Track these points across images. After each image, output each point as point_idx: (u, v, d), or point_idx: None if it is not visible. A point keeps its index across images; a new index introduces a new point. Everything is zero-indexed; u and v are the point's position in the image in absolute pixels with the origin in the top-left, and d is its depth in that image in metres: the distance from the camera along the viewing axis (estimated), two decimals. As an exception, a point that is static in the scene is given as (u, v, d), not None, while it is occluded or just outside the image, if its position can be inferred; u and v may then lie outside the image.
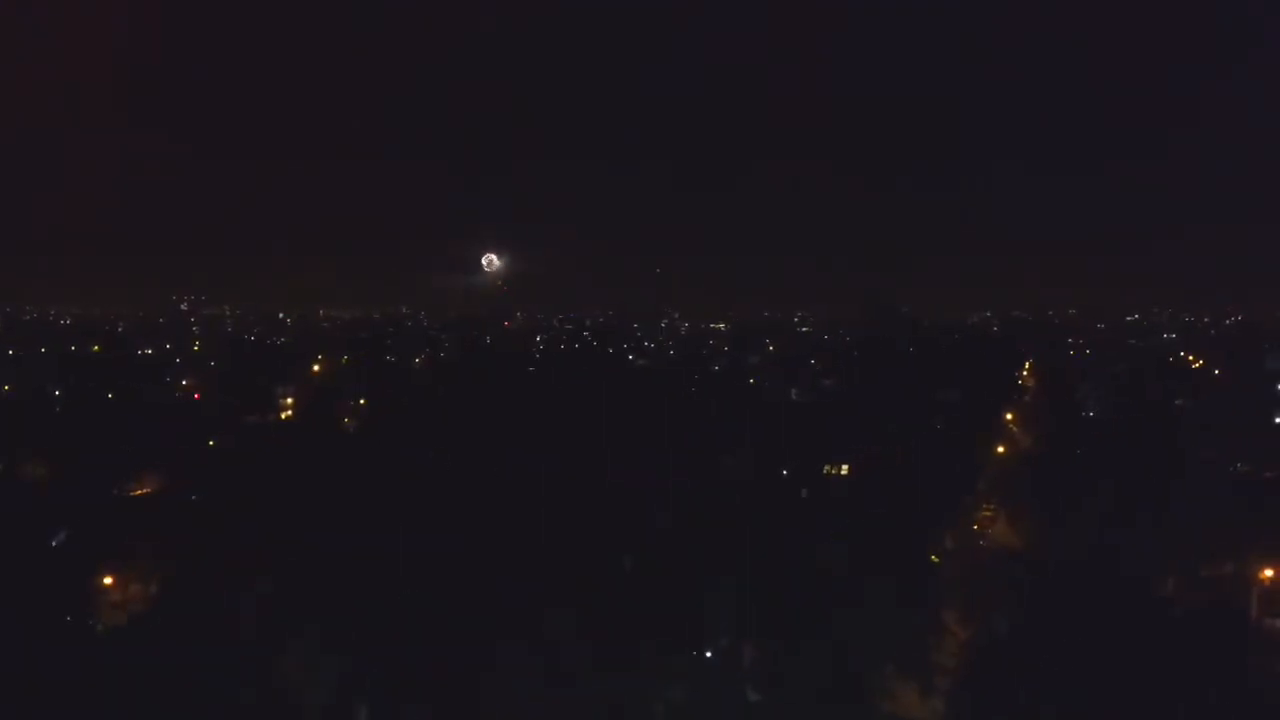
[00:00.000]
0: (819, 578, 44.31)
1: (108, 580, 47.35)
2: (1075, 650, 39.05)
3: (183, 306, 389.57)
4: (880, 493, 62.76)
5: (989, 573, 53.66)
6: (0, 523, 52.33)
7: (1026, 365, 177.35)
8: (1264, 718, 36.79)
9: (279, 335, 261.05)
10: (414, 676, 36.27)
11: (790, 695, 37.18)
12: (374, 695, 36.05)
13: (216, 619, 38.69)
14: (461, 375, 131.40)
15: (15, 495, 60.38)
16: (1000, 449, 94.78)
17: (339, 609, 39.18)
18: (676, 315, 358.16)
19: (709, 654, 40.63)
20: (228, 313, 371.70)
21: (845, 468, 76.43)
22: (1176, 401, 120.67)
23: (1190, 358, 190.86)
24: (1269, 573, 50.77)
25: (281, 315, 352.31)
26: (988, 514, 72.80)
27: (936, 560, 55.15)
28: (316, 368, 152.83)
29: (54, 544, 53.98)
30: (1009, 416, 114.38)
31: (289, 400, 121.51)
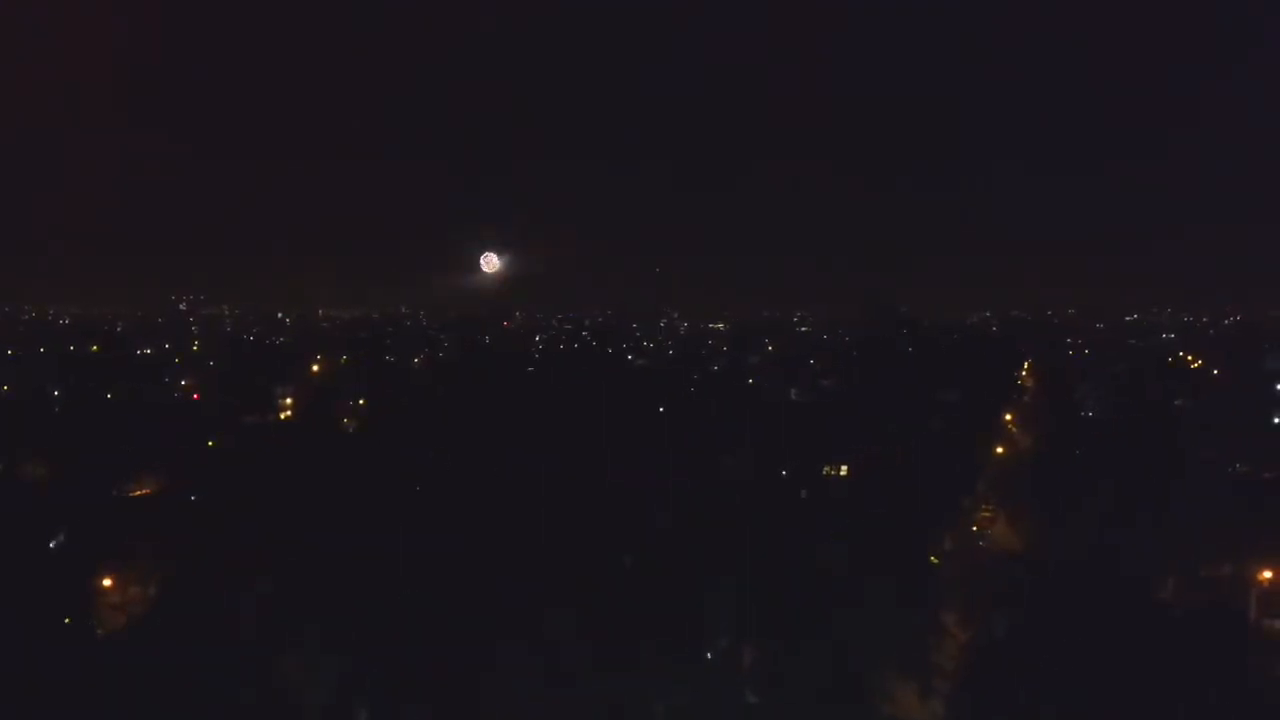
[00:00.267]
0: (818, 578, 44.31)
1: (107, 581, 47.29)
2: (1075, 651, 39.07)
3: (182, 306, 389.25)
4: (880, 493, 62.76)
5: (988, 573, 53.67)
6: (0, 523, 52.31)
7: (1026, 365, 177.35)
8: (1264, 718, 36.80)
9: (278, 335, 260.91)
10: (414, 676, 36.26)
11: (790, 696, 37.17)
12: (374, 695, 36.03)
13: (216, 619, 38.66)
14: (461, 375, 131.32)
15: (15, 495, 60.29)
16: (1000, 449, 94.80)
17: (339, 609, 39.17)
18: (676, 315, 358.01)
19: (709, 655, 40.62)
20: (227, 312, 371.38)
21: (845, 468, 76.47)
22: (1176, 402, 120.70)
23: (1189, 358, 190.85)
24: (1268, 574, 50.77)
25: (281, 315, 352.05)
26: (987, 514, 72.80)
27: (936, 561, 55.15)
28: (316, 368, 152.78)
29: (53, 545, 53.96)
30: (1008, 417, 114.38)
31: (288, 400, 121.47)
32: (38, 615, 40.05)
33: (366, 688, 36.44)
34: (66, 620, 42.01)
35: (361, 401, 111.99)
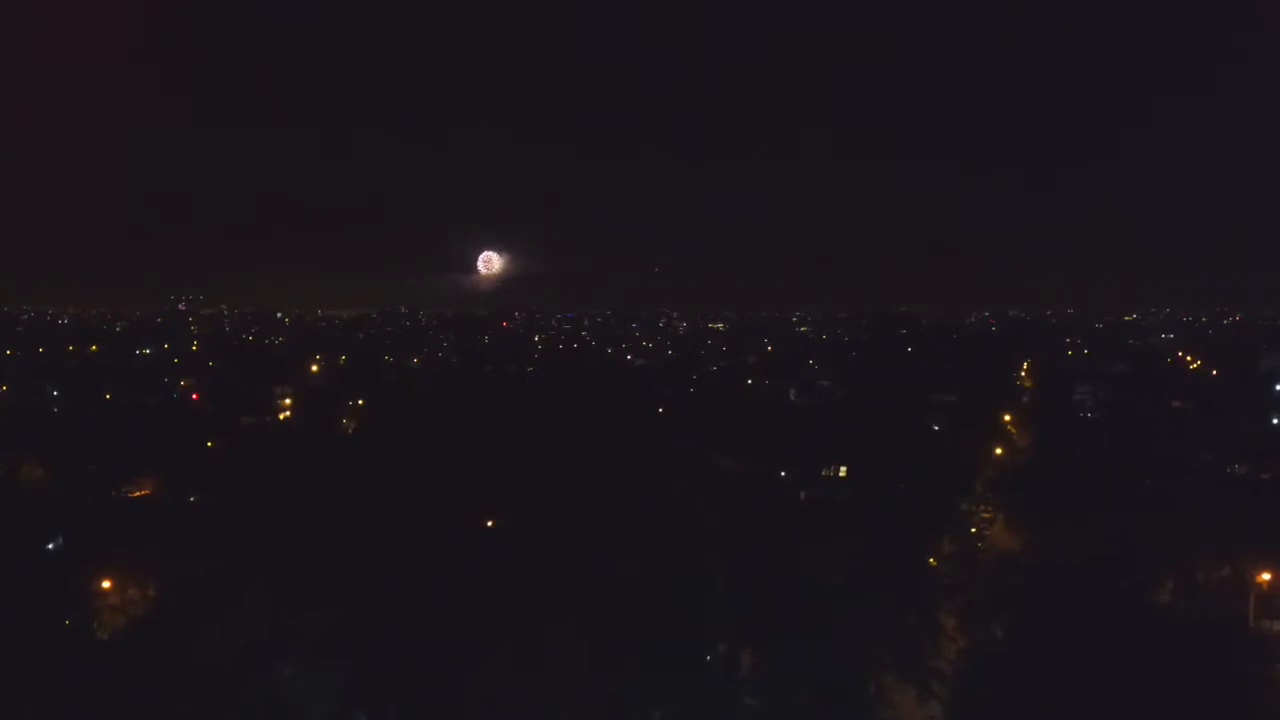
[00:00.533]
0: (816, 580, 44.24)
1: (106, 583, 47.24)
2: (1072, 654, 39.07)
3: (181, 306, 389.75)
4: (878, 495, 62.80)
5: (987, 576, 53.64)
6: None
7: (1025, 365, 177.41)
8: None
9: (277, 335, 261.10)
10: (411, 682, 36.27)
11: (787, 700, 37.16)
12: (373, 698, 36.04)
13: (214, 622, 38.60)
14: (459, 377, 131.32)
15: (13, 498, 60.19)
16: (998, 450, 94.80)
17: (337, 613, 39.14)
18: (675, 315, 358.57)
19: (706, 658, 40.57)
20: (226, 312, 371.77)
21: (843, 470, 76.50)
22: (1174, 402, 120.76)
23: (1188, 358, 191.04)
24: (1266, 576, 50.82)
25: (279, 315, 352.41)
26: (986, 516, 72.77)
27: (934, 563, 55.11)
28: (314, 368, 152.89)
29: (52, 546, 53.92)
30: (1007, 418, 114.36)
31: (287, 401, 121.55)
32: (36, 617, 39.98)
33: (365, 691, 36.47)
34: (64, 622, 41.94)
35: (359, 403, 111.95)
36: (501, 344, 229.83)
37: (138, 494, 70.78)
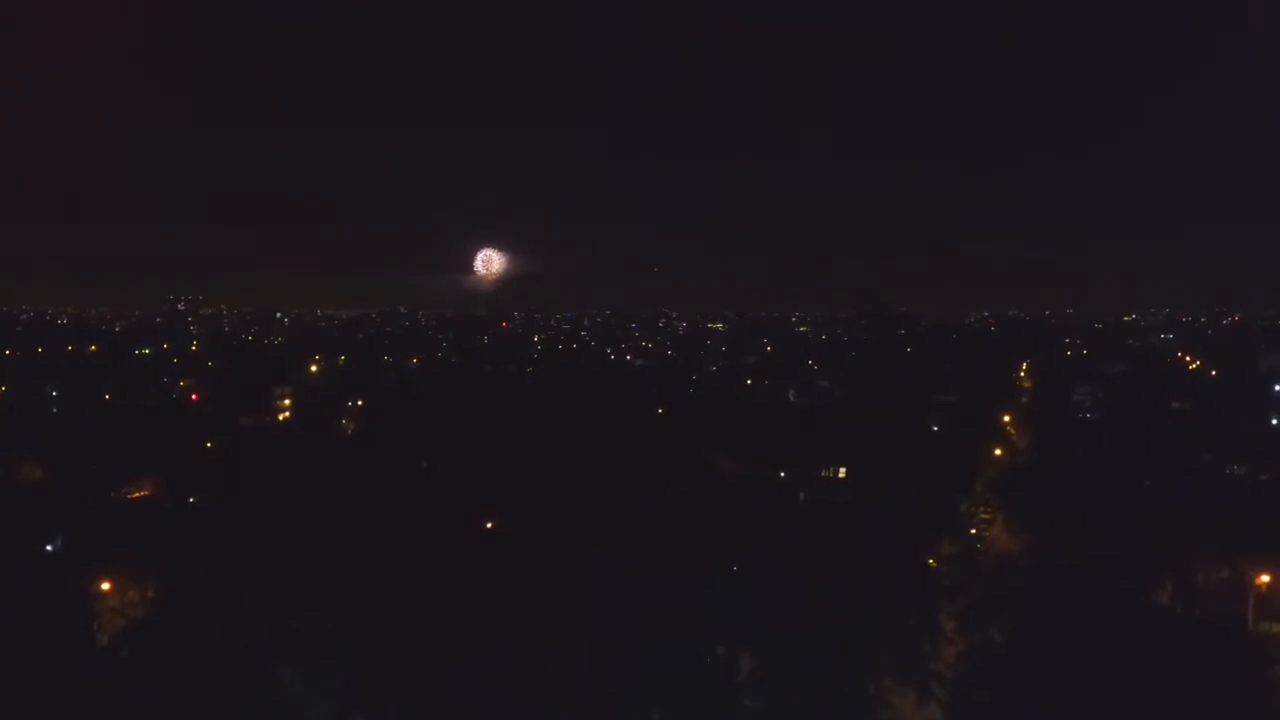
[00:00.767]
0: (815, 583, 44.20)
1: (105, 585, 47.19)
2: (1072, 656, 39.04)
3: (180, 306, 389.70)
4: (877, 496, 62.69)
5: (986, 578, 53.58)
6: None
7: (1024, 366, 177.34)
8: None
9: (276, 335, 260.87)
10: (411, 683, 36.23)
11: (786, 701, 37.13)
12: (372, 699, 36.00)
13: (214, 623, 38.55)
14: (458, 377, 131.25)
15: (12, 498, 60.11)
16: (997, 451, 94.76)
17: (336, 613, 39.10)
18: (674, 315, 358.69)
19: (705, 659, 40.53)
20: (225, 312, 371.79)
21: (842, 470, 76.43)
22: (1174, 403, 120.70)
23: (1188, 358, 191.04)
24: (1265, 578, 50.79)
25: (279, 315, 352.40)
26: (985, 517, 72.74)
27: (934, 564, 55.07)
28: (314, 368, 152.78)
29: (51, 547, 53.85)
30: (1006, 418, 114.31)
31: (286, 402, 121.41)
32: (35, 619, 39.91)
33: (365, 692, 36.43)
34: (63, 623, 41.87)
35: (359, 403, 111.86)
36: (501, 344, 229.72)
37: (137, 495, 70.66)
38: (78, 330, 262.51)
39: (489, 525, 51.52)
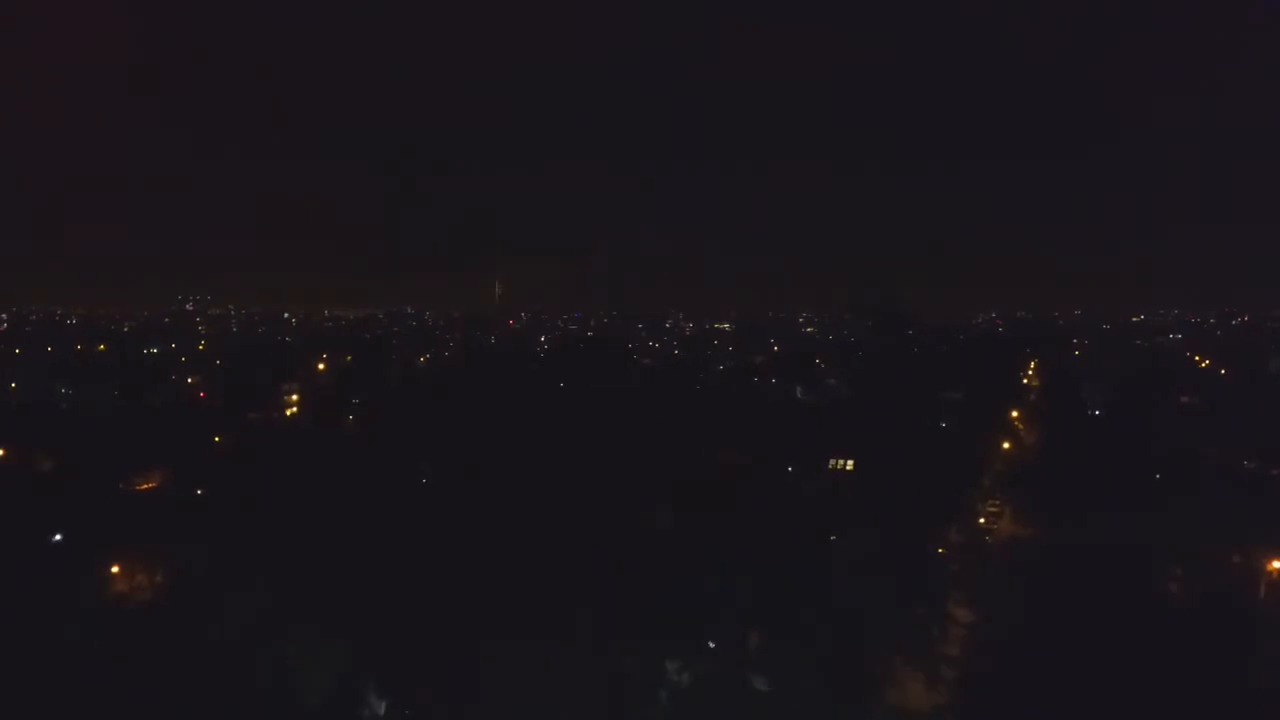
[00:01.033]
0: (824, 570, 44.13)
1: (114, 571, 47.36)
2: (1080, 644, 38.91)
3: (188, 306, 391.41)
4: (885, 488, 62.51)
5: (994, 567, 53.50)
6: (7, 518, 52.44)
7: (1032, 365, 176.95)
8: (1268, 709, 36.55)
9: (284, 334, 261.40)
10: (416, 667, 36.22)
11: (796, 684, 37.03)
12: (381, 678, 36.04)
13: (220, 614, 38.62)
14: (465, 372, 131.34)
15: (22, 491, 60.42)
16: (1006, 446, 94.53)
17: (342, 601, 39.10)
18: (680, 315, 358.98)
19: (716, 644, 40.48)
20: (233, 312, 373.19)
21: (850, 463, 76.25)
22: (1183, 399, 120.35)
23: (1196, 357, 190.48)
24: (1276, 565, 50.55)
25: (286, 315, 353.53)
26: (994, 510, 72.61)
27: (942, 553, 55.00)
28: (321, 366, 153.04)
29: (59, 538, 54.03)
30: (1015, 415, 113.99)
31: (293, 399, 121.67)
32: (45, 608, 40.10)
33: (371, 673, 36.47)
34: (73, 612, 42.03)
35: (366, 401, 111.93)
36: (507, 343, 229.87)
37: (144, 487, 70.91)
38: (87, 330, 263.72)
39: (492, 509, 51.37)
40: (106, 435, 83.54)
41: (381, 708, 36.68)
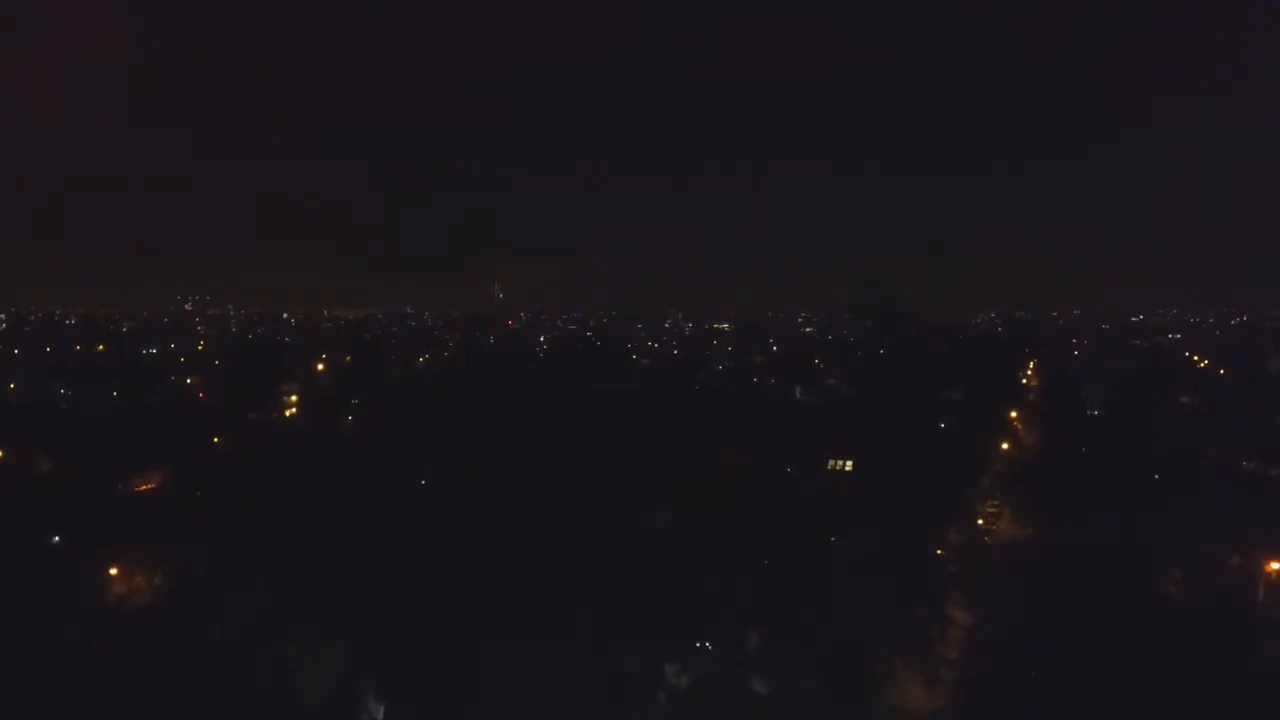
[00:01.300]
0: (823, 571, 44.16)
1: (114, 571, 47.35)
2: (1080, 645, 38.89)
3: (187, 306, 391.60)
4: (884, 488, 62.52)
5: (993, 567, 53.49)
6: (5, 519, 52.40)
7: (1031, 365, 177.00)
8: (1267, 710, 36.56)
9: (283, 334, 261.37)
10: (414, 669, 36.22)
11: (794, 685, 37.04)
12: (379, 680, 36.04)
13: (220, 614, 38.62)
14: (465, 372, 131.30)
15: (21, 492, 60.37)
16: (1006, 446, 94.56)
17: (341, 602, 39.11)
18: (680, 315, 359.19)
19: (713, 645, 40.49)
20: (232, 312, 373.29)
21: (849, 464, 76.23)
22: (1182, 399, 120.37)
23: (1195, 357, 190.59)
24: (1275, 566, 50.58)
25: (285, 315, 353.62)
26: (993, 510, 72.65)
27: (941, 554, 55.01)
28: (320, 367, 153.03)
29: (58, 539, 54.02)
30: (1014, 415, 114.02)
31: (292, 399, 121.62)
32: (43, 610, 40.08)
33: (368, 681, 36.47)
34: (71, 613, 42.01)
35: (365, 401, 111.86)
36: (506, 343, 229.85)
37: (143, 488, 70.88)
38: (86, 330, 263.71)
39: (491, 509, 51.38)
40: (106, 435, 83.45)
41: (380, 711, 36.68)
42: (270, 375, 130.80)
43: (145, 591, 44.64)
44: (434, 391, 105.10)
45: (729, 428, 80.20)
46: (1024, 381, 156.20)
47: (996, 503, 74.00)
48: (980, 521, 69.09)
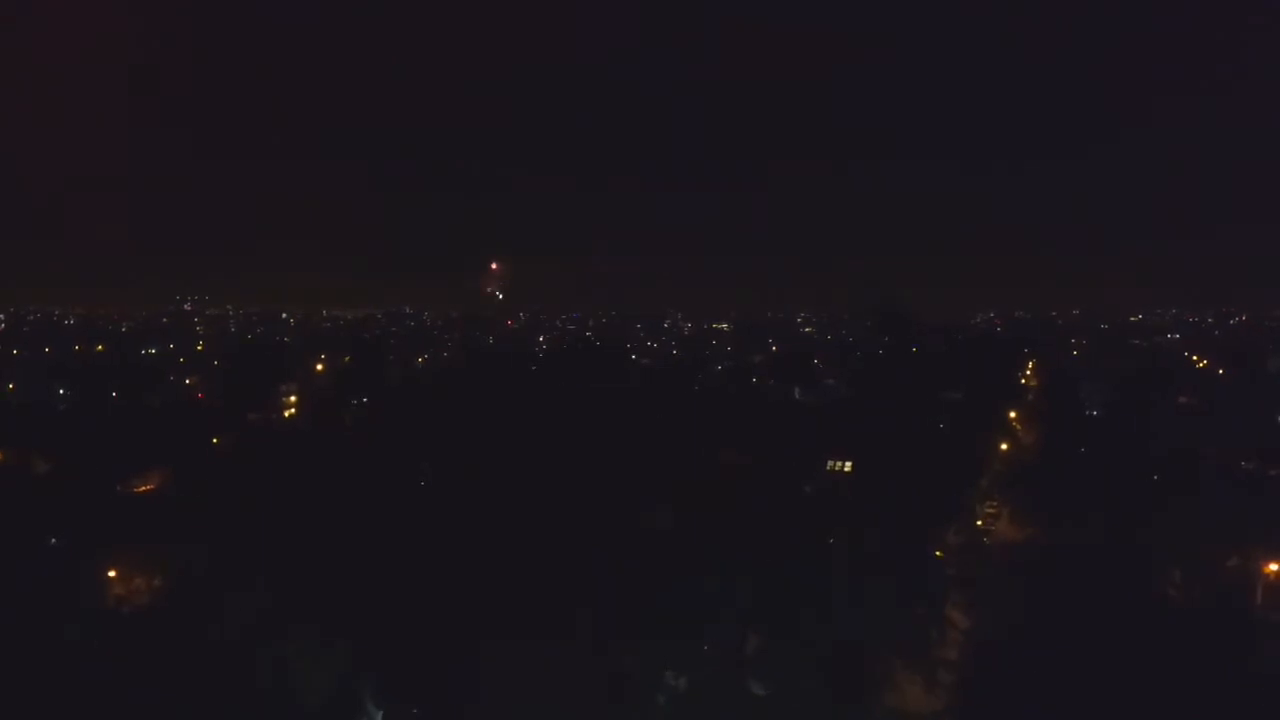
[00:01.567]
0: (822, 572, 44.19)
1: (113, 572, 47.32)
2: (1079, 646, 38.93)
3: (186, 306, 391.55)
4: (884, 489, 62.54)
5: (994, 568, 53.55)
6: (5, 519, 52.36)
7: (1030, 365, 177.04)
8: (1266, 711, 36.61)
9: (282, 334, 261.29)
10: (414, 669, 36.25)
11: (793, 687, 37.08)
12: (379, 681, 36.06)
13: (220, 614, 38.62)
14: (464, 372, 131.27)
15: (19, 493, 60.31)
16: (1004, 446, 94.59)
17: (341, 603, 39.14)
18: (679, 315, 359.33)
19: (711, 646, 40.53)
20: (231, 312, 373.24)
21: (849, 465, 76.24)
22: (1181, 400, 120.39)
23: (1194, 357, 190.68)
24: (1274, 567, 50.62)
25: (285, 315, 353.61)
26: (991, 511, 72.68)
27: (940, 555, 55.03)
28: (320, 367, 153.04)
29: (55, 540, 53.97)
30: (1013, 415, 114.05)
31: (291, 399, 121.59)
32: (41, 611, 40.06)
33: (368, 682, 36.48)
34: (69, 615, 41.99)
35: (364, 401, 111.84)
36: (506, 343, 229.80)
37: (142, 489, 70.84)
38: (85, 330, 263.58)
39: (491, 509, 51.43)
40: (105, 436, 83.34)
41: (380, 712, 36.70)
42: (269, 375, 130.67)
43: (145, 592, 44.62)
44: (433, 391, 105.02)
45: (728, 428, 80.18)
46: (1023, 381, 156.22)
47: (996, 503, 74.03)
48: (979, 522, 69.14)
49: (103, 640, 37.45)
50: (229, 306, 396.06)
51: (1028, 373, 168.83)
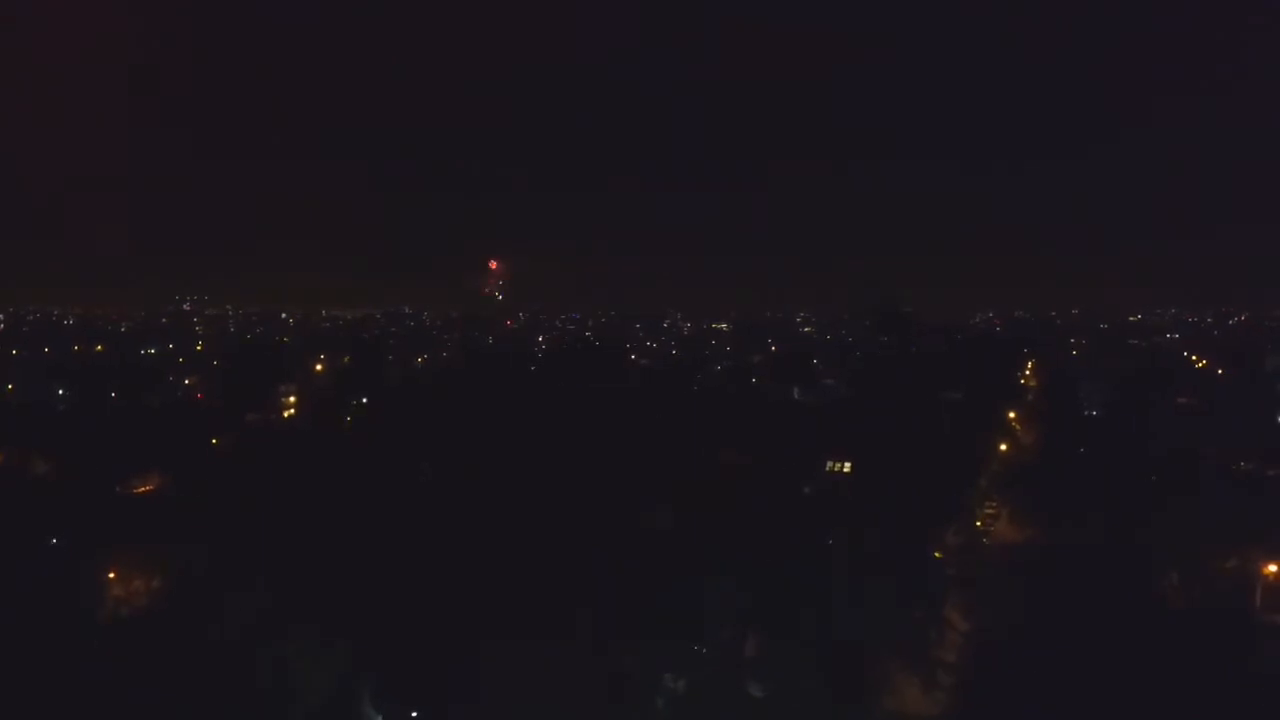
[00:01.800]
0: (822, 572, 44.19)
1: (110, 576, 47.26)
2: (1079, 646, 38.98)
3: (186, 306, 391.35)
4: (883, 489, 62.53)
5: (992, 569, 53.57)
6: (5, 520, 52.35)
7: (1030, 365, 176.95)
8: (1265, 711, 36.65)
9: (282, 334, 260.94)
10: (414, 669, 36.23)
11: (792, 687, 37.07)
12: (378, 681, 36.06)
13: (220, 615, 38.62)
14: (464, 372, 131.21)
15: (20, 493, 60.28)
16: (1003, 447, 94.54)
17: (341, 603, 39.13)
18: (679, 315, 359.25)
19: (711, 646, 40.49)
20: (230, 312, 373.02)
21: (848, 465, 76.19)
22: (1180, 400, 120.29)
23: (1194, 357, 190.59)
24: (1272, 567, 50.61)
25: (284, 315, 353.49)
26: (991, 511, 72.64)
27: (939, 556, 55.02)
28: (319, 367, 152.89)
29: (56, 540, 53.96)
30: (1012, 415, 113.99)
31: (291, 399, 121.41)
32: (41, 611, 40.05)
33: (367, 682, 36.48)
34: (69, 615, 41.99)
35: (363, 401, 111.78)
36: (505, 343, 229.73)
37: (142, 489, 70.78)
38: (84, 330, 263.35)
39: (491, 509, 51.45)
40: (105, 436, 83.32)
41: (380, 713, 36.67)
42: (269, 375, 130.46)
43: (145, 592, 44.60)
44: (433, 391, 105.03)
45: (728, 428, 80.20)
46: (1023, 381, 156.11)
47: (995, 503, 73.98)
48: (979, 522, 69.10)
49: (103, 640, 37.47)
50: (228, 306, 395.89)
51: (1027, 373, 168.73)
